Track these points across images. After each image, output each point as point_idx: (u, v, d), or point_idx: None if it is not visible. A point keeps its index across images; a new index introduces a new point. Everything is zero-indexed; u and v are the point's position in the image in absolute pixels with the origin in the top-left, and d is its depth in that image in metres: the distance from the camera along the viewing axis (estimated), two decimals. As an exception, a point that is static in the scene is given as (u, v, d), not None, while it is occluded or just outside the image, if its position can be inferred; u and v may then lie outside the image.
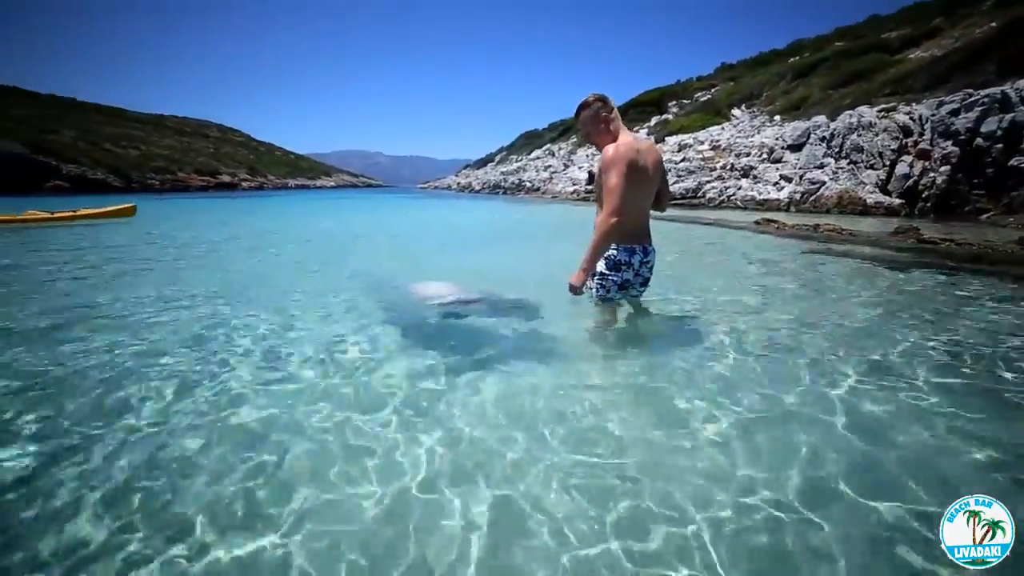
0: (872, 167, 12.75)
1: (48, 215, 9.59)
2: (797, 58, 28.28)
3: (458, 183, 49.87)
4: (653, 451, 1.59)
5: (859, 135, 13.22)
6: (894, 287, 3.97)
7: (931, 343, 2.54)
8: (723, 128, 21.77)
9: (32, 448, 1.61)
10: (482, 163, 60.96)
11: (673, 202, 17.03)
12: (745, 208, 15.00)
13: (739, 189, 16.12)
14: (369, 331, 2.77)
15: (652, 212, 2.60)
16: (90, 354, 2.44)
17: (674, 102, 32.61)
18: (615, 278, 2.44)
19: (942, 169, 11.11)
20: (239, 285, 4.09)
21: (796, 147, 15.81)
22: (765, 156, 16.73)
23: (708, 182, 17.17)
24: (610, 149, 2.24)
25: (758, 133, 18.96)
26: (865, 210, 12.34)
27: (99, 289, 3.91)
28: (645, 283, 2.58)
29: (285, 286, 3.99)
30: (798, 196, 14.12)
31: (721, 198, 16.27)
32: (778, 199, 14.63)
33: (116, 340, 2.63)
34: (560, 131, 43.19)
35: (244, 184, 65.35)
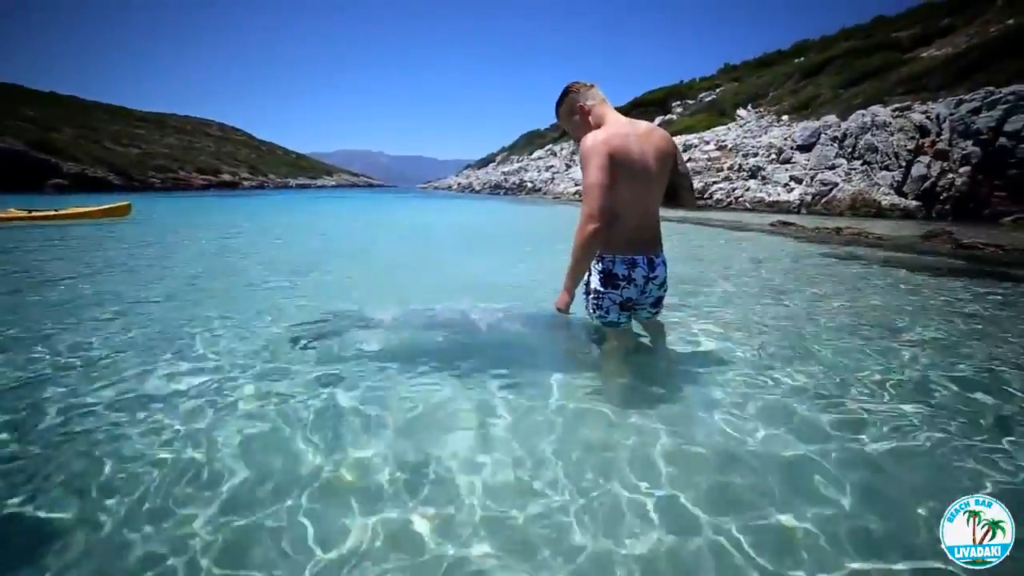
0: (887, 168, 12.33)
1: (26, 214, 8.99)
2: (803, 58, 27.83)
3: (459, 183, 49.53)
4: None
5: (873, 135, 12.80)
6: (959, 303, 3.52)
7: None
8: (729, 128, 21.35)
9: None
10: (483, 163, 60.53)
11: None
12: (754, 209, 14.60)
13: (747, 190, 15.71)
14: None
15: (673, 212, 2.19)
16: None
17: (678, 102, 32.20)
18: (613, 296, 1.89)
19: (962, 170, 10.69)
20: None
21: (806, 147, 15.40)
22: (774, 156, 16.31)
23: (715, 183, 16.76)
24: (588, 138, 1.77)
25: (765, 133, 18.53)
26: (880, 212, 11.92)
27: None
28: (657, 303, 2.04)
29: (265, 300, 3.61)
30: (809, 198, 13.71)
31: (729, 199, 15.87)
32: (789, 200, 14.22)
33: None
34: (562, 131, 42.84)
35: (245, 183, 65.11)
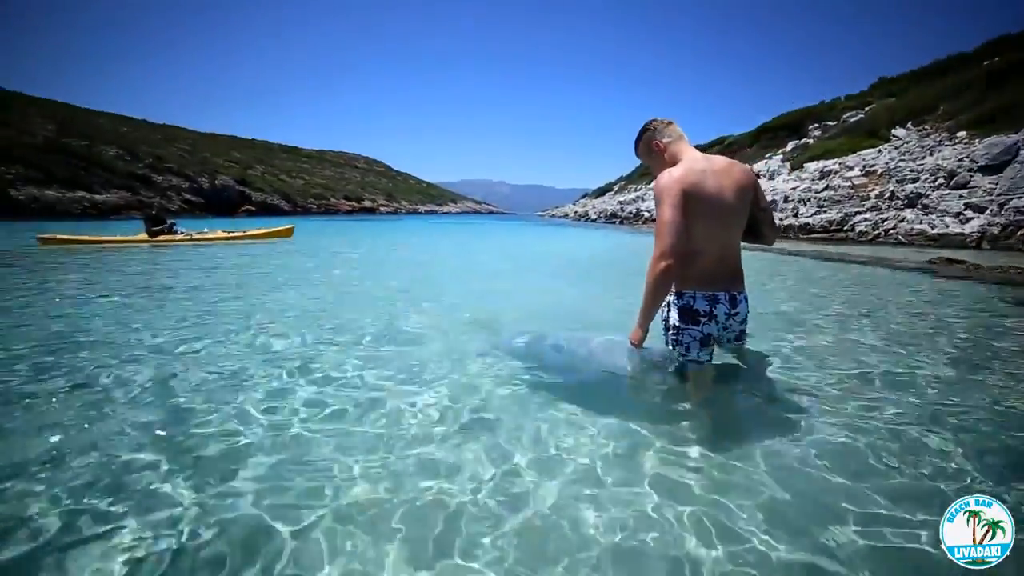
0: (1121, 193, 9.32)
1: (226, 234, 11.39)
2: (991, 60, 22.84)
3: (575, 212, 49.74)
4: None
5: (1097, 151, 9.84)
6: None
7: None
8: (879, 151, 18.21)
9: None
10: (600, 192, 60.17)
11: (812, 236, 14.50)
12: (910, 244, 12.11)
13: (901, 221, 13.13)
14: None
15: (759, 246, 2.05)
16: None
17: (815, 124, 28.60)
18: (694, 332, 1.86)
19: None
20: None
21: (992, 168, 12.42)
22: (942, 181, 13.45)
23: (858, 213, 14.34)
24: (662, 176, 1.80)
25: (931, 154, 15.42)
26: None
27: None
28: (740, 335, 1.98)
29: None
30: (996, 229, 10.95)
31: (876, 231, 13.41)
32: (962, 233, 11.52)
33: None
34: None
35: (382, 209, 73.96)
